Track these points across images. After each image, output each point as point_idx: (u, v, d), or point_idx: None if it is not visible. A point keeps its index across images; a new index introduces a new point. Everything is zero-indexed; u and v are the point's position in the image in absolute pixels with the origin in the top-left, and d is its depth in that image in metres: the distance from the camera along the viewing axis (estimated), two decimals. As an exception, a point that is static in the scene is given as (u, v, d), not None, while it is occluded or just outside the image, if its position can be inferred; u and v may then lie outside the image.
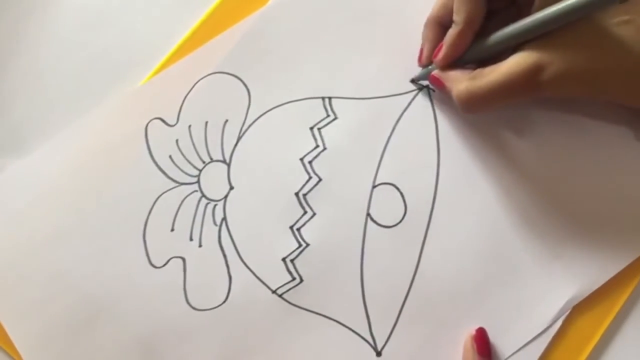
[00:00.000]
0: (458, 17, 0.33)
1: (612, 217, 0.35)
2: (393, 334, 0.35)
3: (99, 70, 0.39)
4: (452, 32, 0.33)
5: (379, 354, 0.35)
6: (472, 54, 0.34)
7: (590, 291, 0.35)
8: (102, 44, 0.40)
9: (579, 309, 0.35)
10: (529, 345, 0.35)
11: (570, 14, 0.30)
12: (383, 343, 0.35)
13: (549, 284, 0.35)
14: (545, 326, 0.35)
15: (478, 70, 0.32)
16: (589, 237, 0.35)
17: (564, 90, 0.32)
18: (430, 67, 0.36)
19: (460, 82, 0.33)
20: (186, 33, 0.39)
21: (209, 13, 0.39)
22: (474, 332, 0.35)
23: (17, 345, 0.36)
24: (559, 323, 0.35)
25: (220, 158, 0.38)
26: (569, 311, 0.35)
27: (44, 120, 0.39)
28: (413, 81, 0.37)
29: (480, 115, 0.36)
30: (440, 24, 0.35)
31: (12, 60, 0.40)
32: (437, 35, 0.35)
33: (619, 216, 0.35)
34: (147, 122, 0.38)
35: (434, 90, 0.37)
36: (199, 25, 0.39)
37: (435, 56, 0.34)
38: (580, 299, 0.35)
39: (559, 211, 0.35)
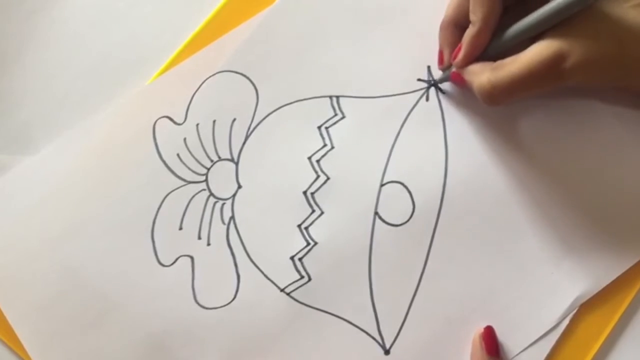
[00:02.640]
0: (475, 17, 0.33)
1: (619, 215, 0.35)
2: (401, 332, 0.35)
3: (106, 69, 0.39)
4: (470, 32, 0.33)
5: (387, 352, 0.35)
6: (491, 50, 0.34)
7: (598, 289, 0.35)
8: (109, 42, 0.40)
9: (586, 307, 0.35)
10: (536, 343, 0.35)
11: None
12: (391, 341, 0.35)
13: (557, 282, 0.35)
14: (553, 324, 0.35)
15: (499, 62, 0.32)
16: (596, 235, 0.35)
17: (587, 78, 0.31)
18: (451, 68, 0.35)
19: (482, 74, 0.33)
20: (193, 32, 0.39)
21: (216, 12, 0.39)
22: (482, 331, 0.35)
23: (25, 344, 0.36)
24: (567, 321, 0.35)
25: (228, 157, 0.38)
26: (576, 309, 0.35)
27: (51, 118, 0.39)
28: (435, 82, 0.37)
29: (488, 112, 0.36)
30: (457, 26, 0.35)
31: (20, 58, 0.40)
32: (455, 37, 0.35)
33: (626, 214, 0.35)
34: (154, 120, 0.38)
35: (442, 91, 0.37)
36: (206, 24, 0.39)
37: (455, 57, 0.34)
38: (588, 297, 0.35)
39: (567, 210, 0.35)
